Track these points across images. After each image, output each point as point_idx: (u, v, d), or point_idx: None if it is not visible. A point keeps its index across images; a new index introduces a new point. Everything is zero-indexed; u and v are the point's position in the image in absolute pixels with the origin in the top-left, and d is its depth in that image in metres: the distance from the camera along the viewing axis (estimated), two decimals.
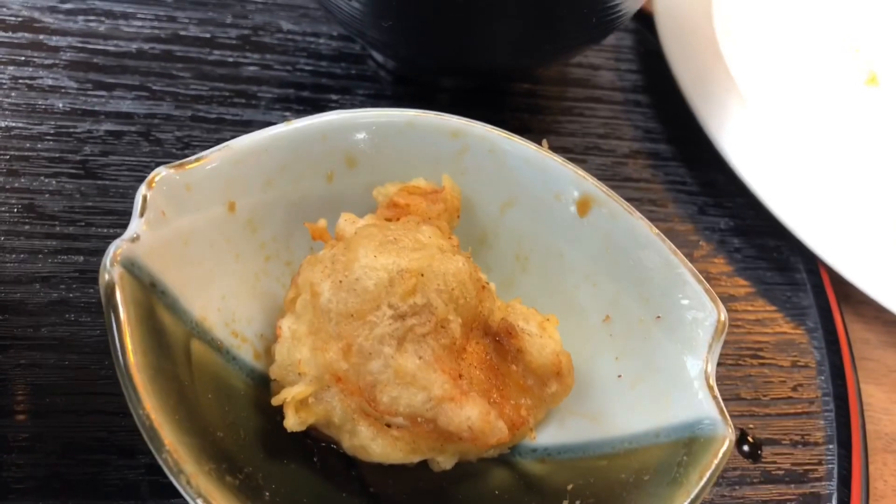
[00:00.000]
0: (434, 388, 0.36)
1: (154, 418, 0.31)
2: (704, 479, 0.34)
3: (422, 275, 0.37)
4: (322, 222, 0.42)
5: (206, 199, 0.39)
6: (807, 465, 0.49)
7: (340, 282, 0.37)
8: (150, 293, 0.35)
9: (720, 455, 0.35)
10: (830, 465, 0.49)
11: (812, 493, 0.48)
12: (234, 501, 0.31)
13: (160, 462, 0.31)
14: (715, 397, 0.37)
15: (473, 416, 0.36)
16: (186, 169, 0.38)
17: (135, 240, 0.35)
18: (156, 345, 0.34)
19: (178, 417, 0.33)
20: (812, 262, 0.59)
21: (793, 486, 0.48)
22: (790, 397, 0.52)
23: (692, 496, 0.34)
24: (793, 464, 0.49)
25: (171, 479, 0.31)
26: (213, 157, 0.40)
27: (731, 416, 0.46)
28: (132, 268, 0.34)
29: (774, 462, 0.49)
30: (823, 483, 0.48)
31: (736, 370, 0.52)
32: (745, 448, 0.49)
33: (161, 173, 0.37)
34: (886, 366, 0.57)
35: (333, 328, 0.37)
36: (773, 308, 0.56)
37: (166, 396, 0.33)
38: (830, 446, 0.50)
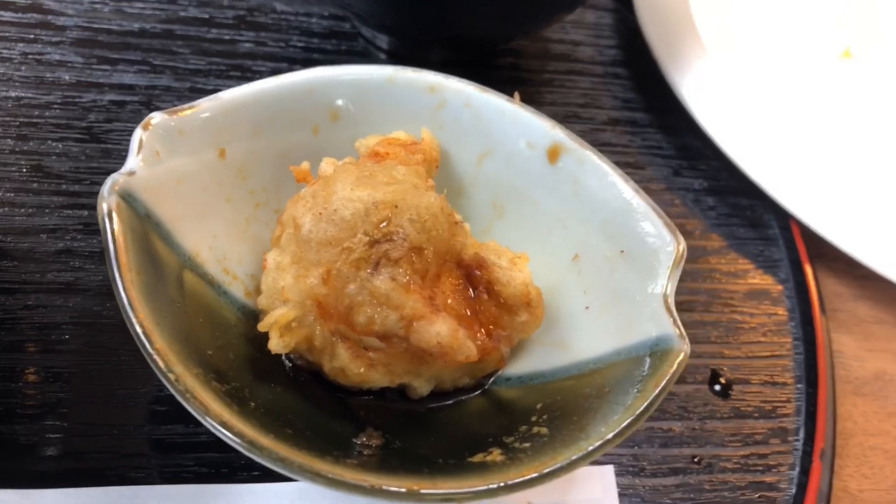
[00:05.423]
0: (406, 308, 0.38)
1: (146, 325, 0.34)
2: (660, 387, 0.37)
3: (396, 206, 0.40)
4: (305, 165, 0.45)
5: (198, 144, 0.43)
6: (775, 403, 0.51)
7: (320, 213, 0.40)
8: (146, 223, 0.38)
9: (675, 365, 0.37)
10: (798, 403, 0.51)
11: (780, 427, 0.50)
12: (219, 402, 0.34)
13: (151, 364, 0.33)
14: (672, 317, 0.39)
15: (443, 332, 0.38)
16: (180, 115, 0.42)
17: (131, 174, 0.38)
18: (150, 268, 0.37)
19: (170, 330, 0.35)
20: (784, 220, 0.61)
21: (762, 420, 0.50)
22: (760, 342, 0.54)
23: (648, 401, 0.36)
24: (762, 401, 0.51)
25: (161, 378, 0.33)
26: (205, 106, 0.43)
27: (703, 357, 0.49)
28: (128, 198, 0.37)
29: (744, 399, 0.51)
30: (791, 418, 0.51)
31: (707, 315, 0.55)
32: (717, 388, 0.51)
33: (156, 118, 0.41)
34: (857, 316, 0.59)
35: (314, 256, 0.40)
36: (746, 261, 0.59)
37: (158, 311, 0.35)
38: (799, 386, 0.52)
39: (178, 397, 0.33)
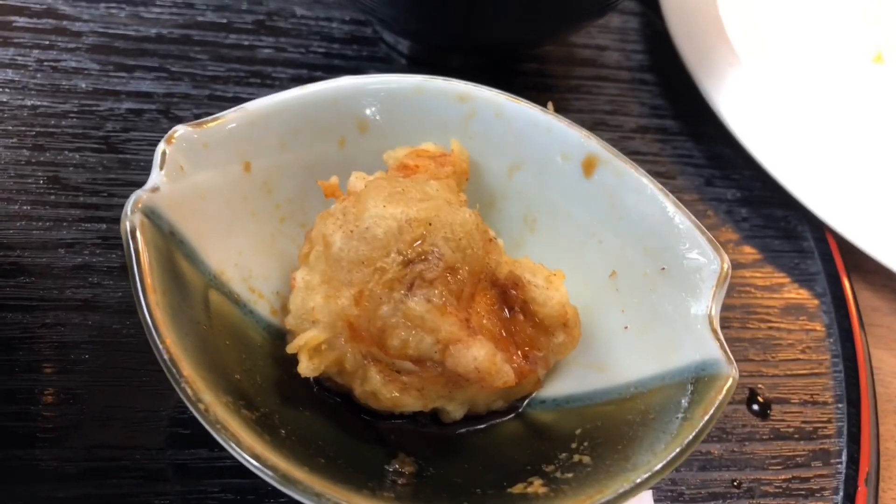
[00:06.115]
0: (442, 331, 0.37)
1: (173, 351, 0.32)
2: (709, 414, 0.35)
3: (429, 224, 0.38)
4: (334, 179, 0.43)
5: (223, 158, 0.41)
6: (816, 423, 0.49)
7: (352, 231, 0.38)
8: (170, 241, 0.37)
9: (724, 392, 0.36)
10: (840, 424, 0.50)
11: (821, 449, 0.48)
12: (250, 432, 0.32)
13: (179, 392, 0.32)
14: (718, 339, 0.38)
15: (480, 357, 0.37)
16: (204, 127, 0.40)
17: (155, 190, 0.37)
18: (175, 287, 0.35)
19: (197, 355, 0.34)
20: (819, 231, 0.59)
21: (802, 442, 0.48)
22: (799, 359, 0.52)
23: (697, 430, 0.35)
24: (802, 422, 0.49)
25: (190, 408, 0.32)
26: (230, 118, 0.41)
27: (740, 376, 0.47)
28: (152, 215, 0.36)
29: (784, 420, 0.49)
30: (833, 440, 0.49)
31: (744, 332, 0.53)
32: (755, 407, 0.50)
33: (180, 130, 0.39)
34: None
35: (345, 276, 0.38)
36: (781, 274, 0.57)
37: (185, 334, 0.34)
38: (840, 405, 0.50)
39: (209, 428, 0.32)
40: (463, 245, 0.39)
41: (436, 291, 0.37)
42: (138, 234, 0.35)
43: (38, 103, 0.53)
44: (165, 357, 0.32)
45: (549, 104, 0.46)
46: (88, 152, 0.52)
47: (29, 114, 0.53)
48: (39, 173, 0.50)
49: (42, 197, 0.49)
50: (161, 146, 0.38)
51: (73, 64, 0.56)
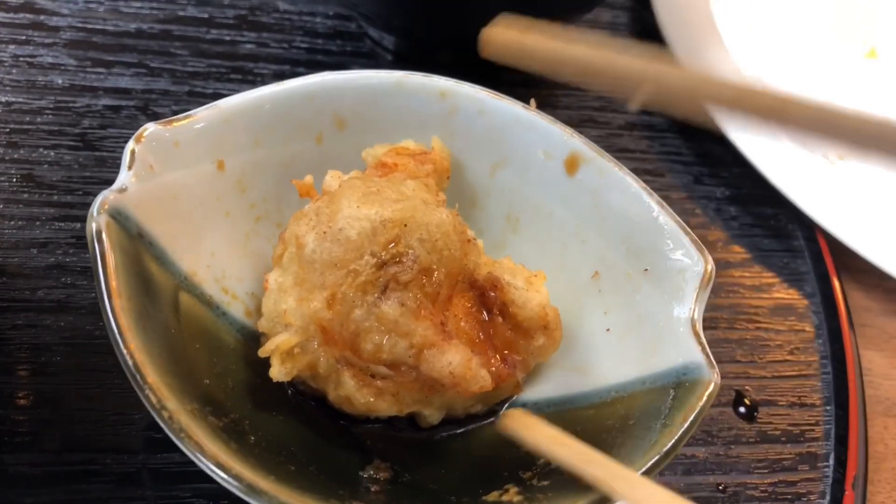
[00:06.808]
0: (416, 335, 0.36)
1: (137, 357, 0.31)
2: (689, 421, 0.34)
3: (405, 225, 0.37)
4: (308, 179, 0.42)
5: (195, 156, 0.40)
6: (803, 426, 0.49)
7: (325, 232, 0.37)
8: (138, 243, 0.36)
9: (705, 398, 0.35)
10: (828, 426, 0.49)
11: (808, 452, 0.47)
12: (216, 440, 0.32)
13: (143, 399, 0.31)
14: (701, 343, 0.37)
15: (455, 362, 0.36)
16: (174, 125, 0.39)
17: (122, 191, 0.36)
18: (142, 291, 0.34)
19: (163, 360, 0.33)
20: (810, 230, 0.58)
21: (789, 445, 0.48)
22: (787, 360, 0.51)
23: (676, 437, 0.34)
24: (789, 424, 0.48)
25: (154, 415, 0.31)
26: (202, 116, 0.40)
27: (727, 378, 0.46)
28: (119, 217, 0.35)
29: (770, 423, 0.48)
30: (820, 443, 0.48)
31: (731, 333, 0.52)
32: (742, 409, 0.49)
33: (149, 128, 0.38)
34: (887, 332, 0.57)
35: (318, 278, 0.37)
36: (771, 274, 0.56)
37: (151, 339, 0.33)
38: (828, 407, 0.50)
39: (172, 436, 0.31)
40: (439, 246, 0.38)
41: (410, 294, 0.36)
42: (104, 236, 0.34)
43: (13, 99, 0.52)
44: (129, 363, 0.31)
45: (532, 101, 0.45)
46: (64, 150, 0.51)
47: (3, 110, 0.52)
48: (13, 171, 0.49)
49: (15, 195, 0.48)
50: (130, 145, 0.37)
51: (50, 59, 0.55)
